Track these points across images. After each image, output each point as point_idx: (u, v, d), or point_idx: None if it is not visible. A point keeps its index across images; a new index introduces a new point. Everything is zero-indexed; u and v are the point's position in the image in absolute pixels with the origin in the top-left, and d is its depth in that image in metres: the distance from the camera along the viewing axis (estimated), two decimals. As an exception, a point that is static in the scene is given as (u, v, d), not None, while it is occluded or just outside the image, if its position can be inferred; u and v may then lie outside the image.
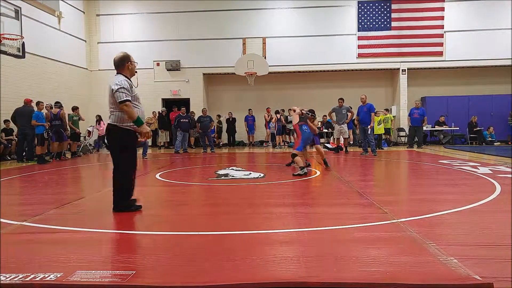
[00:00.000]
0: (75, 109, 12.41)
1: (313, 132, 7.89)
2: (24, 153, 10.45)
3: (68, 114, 12.09)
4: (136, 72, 4.28)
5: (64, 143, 11.04)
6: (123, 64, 4.10)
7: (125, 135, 4.02)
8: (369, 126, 10.90)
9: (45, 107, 10.91)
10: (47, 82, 13.64)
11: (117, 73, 4.10)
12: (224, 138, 17.06)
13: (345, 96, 12.56)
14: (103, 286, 2.19)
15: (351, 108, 12.61)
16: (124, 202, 4.09)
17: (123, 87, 3.88)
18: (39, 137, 10.06)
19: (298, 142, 7.50)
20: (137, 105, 4.05)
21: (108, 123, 4.05)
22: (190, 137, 15.69)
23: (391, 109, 16.46)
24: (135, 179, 4.21)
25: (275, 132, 15.61)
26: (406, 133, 16.11)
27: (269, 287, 2.18)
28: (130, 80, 4.10)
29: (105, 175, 8.43)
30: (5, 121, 11.34)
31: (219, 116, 16.67)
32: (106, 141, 3.50)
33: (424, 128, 15.57)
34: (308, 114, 8.01)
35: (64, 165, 9.77)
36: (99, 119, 14.08)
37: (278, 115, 15.56)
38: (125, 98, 3.86)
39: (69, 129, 11.60)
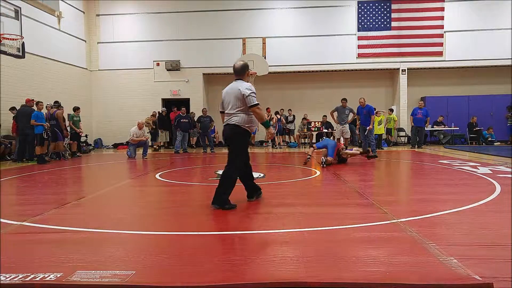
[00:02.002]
0: (76, 109, 12.39)
1: None
2: (24, 153, 10.46)
3: (69, 114, 12.06)
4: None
5: (59, 143, 10.92)
6: (244, 72, 4.49)
7: (247, 135, 4.42)
8: (368, 128, 10.92)
9: (45, 107, 10.92)
10: (47, 82, 13.64)
11: (237, 79, 4.44)
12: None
13: (345, 96, 12.54)
14: (103, 286, 2.19)
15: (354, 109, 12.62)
16: (225, 197, 4.26)
17: (254, 92, 4.29)
18: (38, 137, 10.05)
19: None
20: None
21: (230, 123, 4.34)
22: (191, 137, 15.69)
23: (393, 109, 16.39)
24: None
25: (275, 132, 15.61)
26: (406, 133, 16.12)
27: (269, 287, 2.18)
28: None
29: (105, 175, 8.44)
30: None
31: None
32: (223, 139, 3.92)
33: (425, 128, 15.58)
34: None
35: (64, 165, 9.77)
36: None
37: (278, 116, 15.56)
38: (257, 102, 4.26)
39: (68, 129, 11.54)
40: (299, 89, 17.36)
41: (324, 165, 8.29)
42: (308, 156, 9.20)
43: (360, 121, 11.25)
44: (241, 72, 4.46)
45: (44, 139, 10.26)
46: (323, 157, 8.57)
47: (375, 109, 11.34)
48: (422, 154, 11.36)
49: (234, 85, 4.37)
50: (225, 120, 4.45)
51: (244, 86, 4.28)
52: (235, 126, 4.30)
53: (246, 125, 4.33)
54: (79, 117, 12.52)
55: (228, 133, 4.38)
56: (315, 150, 9.38)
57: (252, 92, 4.24)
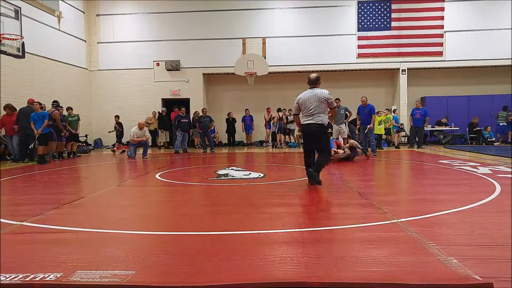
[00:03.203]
0: (69, 109, 12.33)
1: None
2: (26, 153, 10.46)
3: (64, 115, 11.97)
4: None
5: (52, 144, 10.80)
6: (318, 82, 5.75)
7: (329, 129, 6.21)
8: (368, 127, 10.92)
9: (41, 107, 10.79)
10: (47, 82, 13.65)
11: (313, 87, 5.71)
12: (224, 138, 17.06)
13: (345, 96, 12.58)
14: (103, 286, 2.18)
15: (349, 108, 12.61)
16: (318, 175, 5.60)
17: (332, 97, 5.68)
18: (42, 137, 10.02)
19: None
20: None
21: (315, 122, 5.56)
22: (195, 137, 15.66)
23: (395, 109, 16.33)
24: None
25: (276, 130, 15.59)
26: (406, 133, 16.11)
27: (269, 287, 2.18)
28: None
29: (105, 175, 8.43)
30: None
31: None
32: (311, 133, 5.73)
33: (425, 128, 15.57)
34: None
35: (64, 165, 9.77)
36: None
37: (280, 114, 15.52)
38: (336, 105, 5.75)
39: (65, 129, 11.46)
40: (299, 89, 17.08)
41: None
42: None
43: (361, 121, 11.25)
44: (316, 82, 5.72)
45: (48, 139, 10.26)
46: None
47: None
48: (422, 154, 11.36)
49: (314, 92, 5.61)
50: (306, 119, 5.63)
51: (326, 93, 5.59)
52: (321, 124, 5.55)
53: (326, 122, 5.65)
54: (76, 116, 12.46)
55: (315, 129, 5.57)
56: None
57: (332, 97, 5.66)
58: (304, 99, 5.66)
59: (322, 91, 5.58)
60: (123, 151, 13.62)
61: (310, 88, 5.74)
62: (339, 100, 11.92)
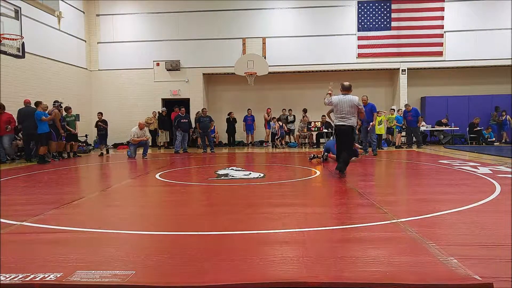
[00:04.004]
0: (67, 109, 12.30)
1: None
2: (31, 153, 10.45)
3: (62, 116, 11.92)
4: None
5: (52, 143, 10.79)
6: (350, 89, 6.77)
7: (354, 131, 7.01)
8: (371, 124, 10.97)
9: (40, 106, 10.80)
10: (47, 82, 13.64)
11: (346, 93, 6.69)
12: (224, 138, 17.06)
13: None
14: (103, 286, 2.19)
15: None
16: (345, 168, 6.70)
17: (362, 104, 6.85)
18: (43, 137, 10.01)
19: None
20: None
21: (347, 124, 6.60)
22: (198, 137, 15.63)
23: (400, 109, 16.24)
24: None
25: (278, 134, 15.54)
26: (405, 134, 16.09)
27: (269, 287, 2.18)
28: None
29: (105, 175, 8.44)
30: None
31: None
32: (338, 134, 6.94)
33: (424, 129, 15.57)
34: None
35: (64, 165, 9.77)
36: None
37: (280, 123, 15.48)
38: (363, 109, 6.86)
39: (63, 130, 11.43)
40: (299, 89, 17.35)
41: (325, 159, 9.03)
42: (314, 155, 9.52)
43: (362, 120, 11.29)
44: (349, 89, 6.75)
45: (49, 139, 10.26)
46: (325, 153, 9.07)
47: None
48: (422, 154, 11.36)
49: (347, 98, 6.60)
50: (339, 121, 6.66)
51: (356, 99, 6.61)
52: (351, 126, 6.62)
53: (355, 124, 6.76)
54: (74, 116, 12.41)
55: (346, 130, 6.61)
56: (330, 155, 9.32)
57: (361, 104, 6.73)
58: (338, 102, 6.62)
59: (353, 98, 6.60)
60: (102, 154, 12.45)
61: (342, 93, 6.70)
62: None
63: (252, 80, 14.95)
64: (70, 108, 12.42)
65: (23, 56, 11.30)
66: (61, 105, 11.99)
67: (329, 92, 7.06)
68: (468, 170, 7.22)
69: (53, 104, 11.52)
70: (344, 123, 6.59)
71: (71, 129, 11.89)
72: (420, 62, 16.20)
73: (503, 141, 15.52)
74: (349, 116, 6.55)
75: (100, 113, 13.31)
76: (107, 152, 13.04)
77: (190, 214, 4.18)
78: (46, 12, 13.67)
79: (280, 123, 15.46)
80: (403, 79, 16.33)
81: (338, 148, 6.96)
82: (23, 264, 2.55)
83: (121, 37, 16.70)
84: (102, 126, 12.96)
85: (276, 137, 15.51)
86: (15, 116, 10.60)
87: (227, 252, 2.77)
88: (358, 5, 16.14)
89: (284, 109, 16.09)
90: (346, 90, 6.70)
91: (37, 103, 10.39)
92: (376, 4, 16.07)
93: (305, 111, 15.87)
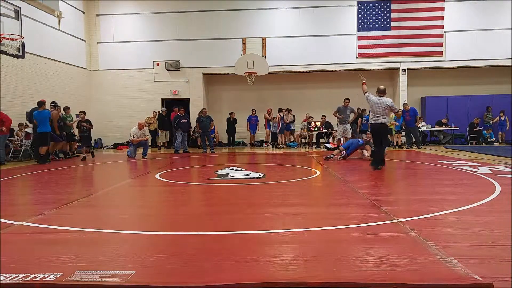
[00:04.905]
0: (66, 109, 12.26)
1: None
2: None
3: (60, 116, 11.89)
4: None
5: (56, 144, 10.76)
6: (385, 92, 7.83)
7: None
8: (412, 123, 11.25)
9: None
10: (46, 82, 13.63)
11: (381, 96, 7.70)
12: (224, 138, 17.05)
13: (345, 96, 12.55)
14: (103, 286, 2.19)
15: (355, 109, 12.75)
16: (380, 163, 7.68)
17: (395, 105, 7.89)
18: (43, 137, 9.99)
19: None
20: None
21: (380, 122, 7.59)
22: (196, 137, 15.62)
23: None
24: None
25: (277, 131, 15.54)
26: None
27: (269, 287, 2.18)
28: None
29: (105, 175, 8.44)
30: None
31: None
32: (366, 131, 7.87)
33: (424, 129, 15.58)
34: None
35: (64, 165, 9.76)
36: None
37: (281, 114, 15.49)
38: (399, 108, 7.45)
39: (59, 130, 11.38)
40: (299, 89, 17.35)
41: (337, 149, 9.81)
42: (332, 155, 9.80)
43: (398, 120, 11.51)
44: (384, 92, 7.79)
45: (50, 139, 10.25)
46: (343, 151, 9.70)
47: None
48: (422, 154, 11.36)
49: (382, 100, 7.60)
50: (374, 120, 7.65)
51: (390, 101, 7.62)
52: (384, 124, 7.63)
53: (388, 123, 7.78)
54: (71, 116, 12.36)
55: (380, 127, 7.64)
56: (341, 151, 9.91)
57: (394, 105, 7.73)
58: (374, 102, 7.63)
59: (388, 100, 7.63)
60: (84, 158, 10.95)
61: (378, 95, 7.72)
62: (349, 100, 11.96)
63: (252, 80, 14.95)
64: (69, 108, 12.41)
65: (23, 56, 11.30)
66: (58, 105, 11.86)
67: (363, 82, 8.34)
68: (468, 170, 7.22)
69: (51, 105, 11.49)
70: (377, 121, 7.61)
71: (73, 126, 11.86)
72: (420, 62, 16.19)
73: (500, 141, 15.51)
74: (383, 115, 7.54)
75: (83, 112, 11.81)
76: (92, 155, 11.45)
77: (190, 214, 4.18)
78: (46, 12, 13.66)
79: (281, 114, 15.41)
80: (403, 79, 16.32)
81: (375, 142, 7.94)
82: (23, 264, 2.55)
83: (121, 37, 16.69)
84: (85, 127, 11.57)
85: (277, 129, 15.45)
86: (13, 116, 10.60)
87: (227, 252, 2.77)
88: (358, 5, 16.13)
89: (283, 109, 16.06)
90: (382, 93, 7.72)
91: (41, 103, 10.28)
92: (376, 4, 16.07)
93: (307, 115, 16.00)
